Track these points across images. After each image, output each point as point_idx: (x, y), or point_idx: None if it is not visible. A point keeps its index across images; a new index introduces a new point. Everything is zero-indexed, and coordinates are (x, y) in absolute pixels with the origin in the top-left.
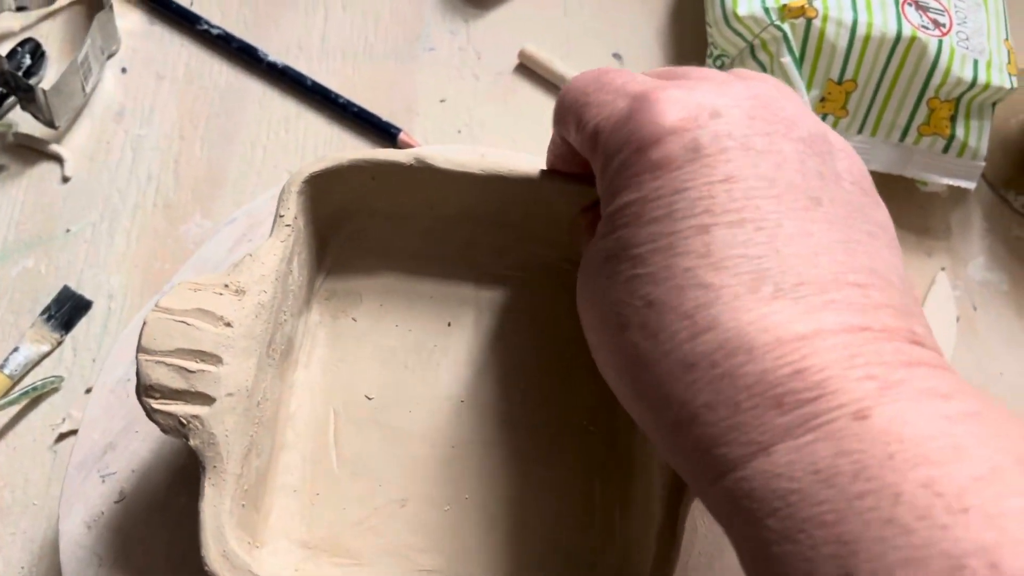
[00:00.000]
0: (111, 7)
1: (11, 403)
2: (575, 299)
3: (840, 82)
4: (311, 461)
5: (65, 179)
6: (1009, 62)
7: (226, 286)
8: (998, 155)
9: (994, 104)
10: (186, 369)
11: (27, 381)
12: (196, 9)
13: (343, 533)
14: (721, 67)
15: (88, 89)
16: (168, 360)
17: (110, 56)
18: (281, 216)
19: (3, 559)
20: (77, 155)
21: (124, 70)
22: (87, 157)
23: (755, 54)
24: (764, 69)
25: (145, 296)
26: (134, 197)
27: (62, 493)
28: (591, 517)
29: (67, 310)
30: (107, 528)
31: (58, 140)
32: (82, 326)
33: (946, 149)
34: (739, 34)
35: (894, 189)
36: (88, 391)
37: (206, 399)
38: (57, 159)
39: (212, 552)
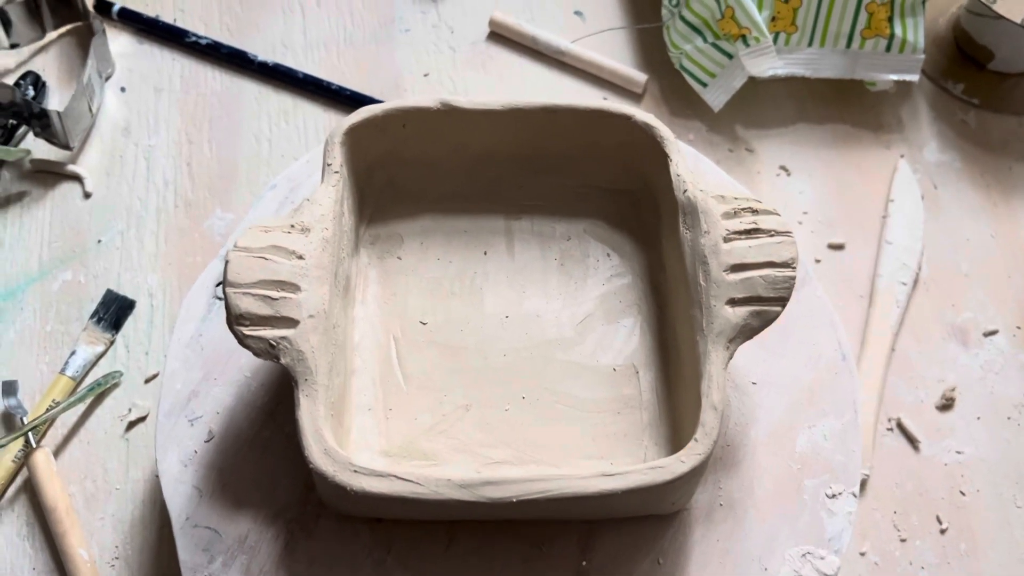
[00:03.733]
0: (103, 31)
1: (79, 400)
2: (592, 220)
3: (786, 0)
4: (380, 382)
5: (87, 195)
6: None
7: (292, 226)
8: (933, 51)
9: (924, 2)
10: (270, 297)
11: (89, 380)
12: (181, 24)
13: (417, 439)
14: (677, 6)
15: (94, 110)
16: (253, 291)
17: (107, 78)
18: (329, 164)
19: (97, 543)
20: (94, 172)
21: (123, 89)
22: (104, 172)
23: None
24: (718, 2)
25: (183, 289)
26: (155, 202)
27: (155, 439)
28: (638, 399)
29: (114, 311)
30: (201, 464)
31: (74, 161)
32: (130, 324)
33: (888, 48)
34: None
35: (847, 93)
36: (148, 380)
37: (291, 322)
38: (76, 178)
39: (314, 451)
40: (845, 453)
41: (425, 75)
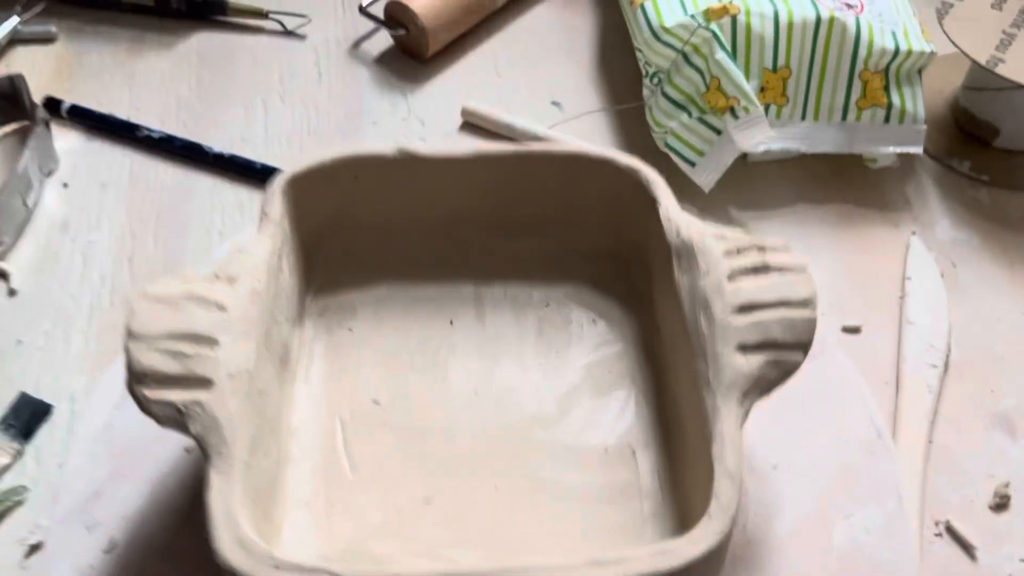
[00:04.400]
0: (47, 126)
1: None
2: (574, 284)
3: (775, 70)
4: (322, 472)
5: (12, 292)
6: (923, 32)
7: (216, 276)
8: (933, 132)
9: (920, 71)
10: (181, 353)
11: None
12: (134, 119)
13: (366, 541)
14: (659, 84)
15: (30, 204)
16: (160, 345)
17: (49, 174)
18: (267, 214)
19: None
20: (24, 269)
21: (65, 185)
22: (35, 269)
23: (689, 60)
24: (700, 72)
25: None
26: (88, 299)
27: (44, 551)
28: (636, 485)
29: (26, 418)
30: None
31: (2, 257)
32: (45, 433)
33: (887, 119)
34: (670, 45)
35: (846, 172)
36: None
37: (205, 383)
38: (2, 275)
39: (224, 540)
40: (893, 549)
41: None
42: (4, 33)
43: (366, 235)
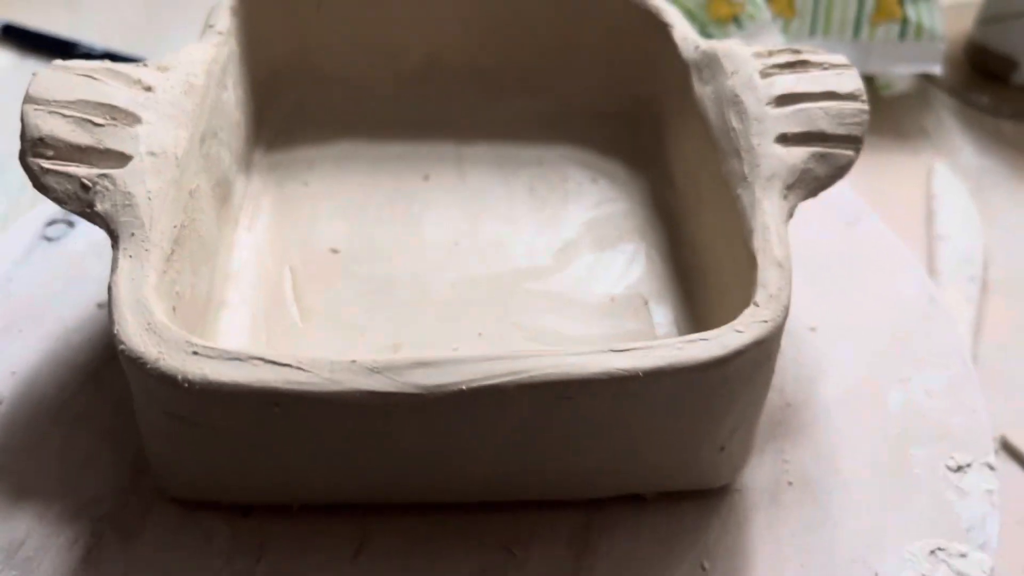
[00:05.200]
0: None
1: None
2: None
3: None
4: (264, 320)
5: None
6: None
7: (144, 64)
8: (950, 71)
9: None
10: (92, 122)
11: None
12: (73, 36)
13: None
14: None
15: None
16: (67, 112)
17: None
18: (211, 25)
19: None
20: None
21: None
22: None
23: None
24: None
25: None
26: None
27: None
28: (650, 335)
29: None
30: None
31: None
32: None
33: (902, 34)
34: None
35: None
36: None
37: (120, 158)
38: None
39: (130, 324)
40: (964, 412)
41: None
42: None
43: (327, 89)
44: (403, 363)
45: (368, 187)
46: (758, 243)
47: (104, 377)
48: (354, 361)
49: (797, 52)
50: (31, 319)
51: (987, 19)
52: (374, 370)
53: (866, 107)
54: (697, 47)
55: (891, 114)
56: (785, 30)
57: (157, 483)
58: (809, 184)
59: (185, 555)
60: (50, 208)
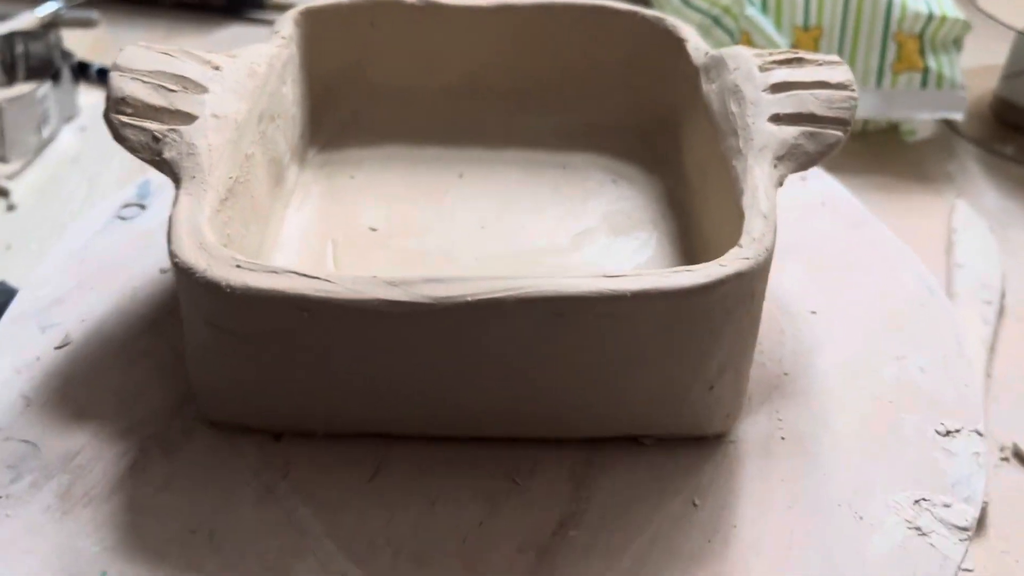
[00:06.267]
0: (71, 77)
1: None
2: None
3: (807, 28)
4: None
5: (10, 207)
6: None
7: (213, 53)
8: (976, 125)
9: (956, 42)
10: (166, 88)
11: None
12: None
13: None
14: None
15: (45, 135)
16: (146, 78)
17: (70, 119)
18: (276, 31)
19: None
20: (28, 188)
21: (83, 128)
22: (37, 191)
23: (720, 22)
24: (730, 34)
25: None
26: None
27: None
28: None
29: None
30: (42, 372)
31: (10, 177)
32: None
33: (924, 83)
34: (699, 10)
35: (882, 146)
36: None
37: (187, 117)
38: (2, 193)
39: (185, 243)
40: (956, 387)
41: None
42: (45, 13)
43: (378, 99)
44: (416, 279)
45: (408, 181)
46: (747, 202)
47: (163, 326)
48: (374, 276)
49: (795, 52)
50: (102, 279)
51: (1011, 75)
52: (391, 284)
53: (855, 95)
54: (707, 53)
55: (916, 159)
56: None
57: (199, 407)
58: (799, 158)
59: (218, 469)
60: (126, 194)
